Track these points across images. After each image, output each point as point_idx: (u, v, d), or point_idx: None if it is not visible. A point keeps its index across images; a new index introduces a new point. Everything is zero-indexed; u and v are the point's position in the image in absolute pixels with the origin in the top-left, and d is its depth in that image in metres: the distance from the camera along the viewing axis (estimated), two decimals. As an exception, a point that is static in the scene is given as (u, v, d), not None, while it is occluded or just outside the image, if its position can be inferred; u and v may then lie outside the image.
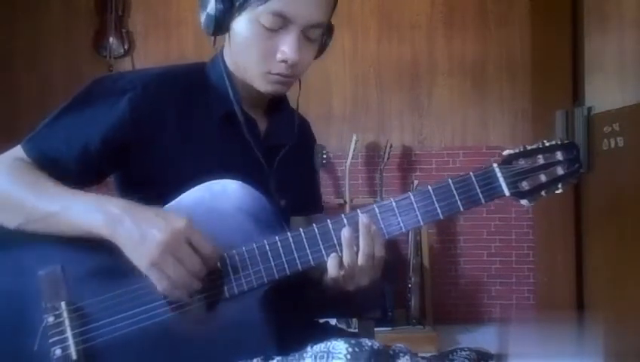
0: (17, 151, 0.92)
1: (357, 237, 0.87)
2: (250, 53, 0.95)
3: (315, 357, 0.72)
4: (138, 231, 0.80)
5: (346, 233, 0.87)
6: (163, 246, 0.79)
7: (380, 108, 3.61)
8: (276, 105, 1.08)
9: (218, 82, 1.01)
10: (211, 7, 0.94)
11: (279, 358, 0.79)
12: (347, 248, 0.87)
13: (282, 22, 0.91)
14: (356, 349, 0.71)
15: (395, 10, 3.59)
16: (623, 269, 2.22)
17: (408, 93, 3.60)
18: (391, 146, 3.34)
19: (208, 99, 1.00)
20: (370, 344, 0.72)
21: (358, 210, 0.89)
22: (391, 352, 0.72)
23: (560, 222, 2.73)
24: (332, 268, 0.88)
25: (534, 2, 3.17)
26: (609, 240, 2.35)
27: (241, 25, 0.94)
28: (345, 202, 3.24)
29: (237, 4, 0.93)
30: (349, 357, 0.70)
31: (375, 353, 0.70)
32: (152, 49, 3.63)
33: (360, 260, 0.87)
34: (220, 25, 0.95)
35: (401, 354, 0.72)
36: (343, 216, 0.89)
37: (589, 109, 2.46)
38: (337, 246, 0.88)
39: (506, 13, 3.55)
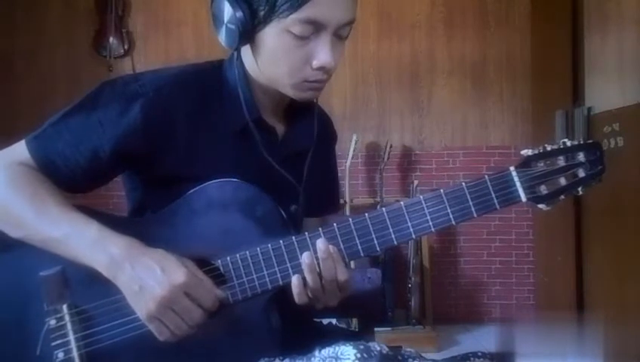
0: (20, 151, 0.88)
1: (318, 260, 0.84)
2: (283, 64, 0.88)
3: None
4: (137, 281, 0.80)
5: (306, 259, 0.84)
6: (161, 301, 0.79)
7: (379, 109, 3.60)
8: (297, 105, 1.01)
9: (235, 90, 0.94)
10: (231, 19, 0.86)
11: (287, 360, 0.78)
12: (309, 274, 0.84)
13: (314, 28, 0.85)
14: (365, 355, 0.69)
15: (395, 10, 3.59)
16: (623, 269, 2.22)
17: (408, 93, 3.59)
18: (391, 146, 3.33)
19: (224, 107, 0.94)
20: (379, 349, 0.70)
21: (320, 229, 0.85)
22: (399, 357, 0.70)
23: (560, 222, 2.73)
24: (296, 290, 0.85)
25: (534, 2, 3.17)
26: (609, 240, 2.35)
27: (269, 37, 0.87)
28: (345, 202, 3.23)
29: (261, 14, 0.85)
30: None
31: (384, 358, 0.69)
32: (152, 49, 3.62)
33: (324, 285, 0.84)
34: (245, 39, 0.88)
35: (409, 360, 0.70)
36: (319, 230, 0.85)
37: (589, 109, 2.46)
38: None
39: (506, 13, 3.54)
